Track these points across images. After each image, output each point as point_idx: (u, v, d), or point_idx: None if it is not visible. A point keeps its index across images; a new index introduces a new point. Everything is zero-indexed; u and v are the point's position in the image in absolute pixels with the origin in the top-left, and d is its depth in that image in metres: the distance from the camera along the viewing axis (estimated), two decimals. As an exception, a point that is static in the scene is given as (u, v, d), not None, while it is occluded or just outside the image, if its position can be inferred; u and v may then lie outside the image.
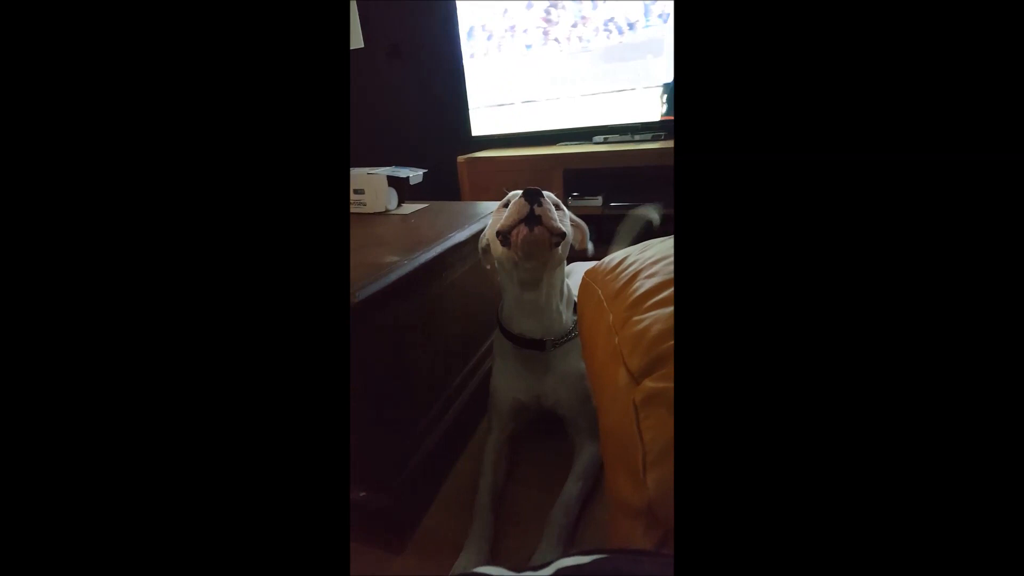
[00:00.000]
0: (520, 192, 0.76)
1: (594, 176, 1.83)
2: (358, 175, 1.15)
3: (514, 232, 0.72)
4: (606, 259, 0.73)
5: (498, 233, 0.75)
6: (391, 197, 1.18)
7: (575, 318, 0.83)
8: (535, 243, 0.72)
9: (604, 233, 1.60)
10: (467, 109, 2.14)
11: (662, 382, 0.42)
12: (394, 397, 0.75)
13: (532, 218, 0.71)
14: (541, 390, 0.83)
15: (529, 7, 1.92)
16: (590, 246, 0.91)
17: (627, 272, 0.63)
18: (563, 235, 0.75)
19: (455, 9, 2.00)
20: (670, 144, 1.69)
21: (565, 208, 0.82)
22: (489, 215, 1.07)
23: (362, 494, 0.72)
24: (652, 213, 1.35)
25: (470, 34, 2.02)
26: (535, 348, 0.82)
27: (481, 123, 2.15)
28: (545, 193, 0.77)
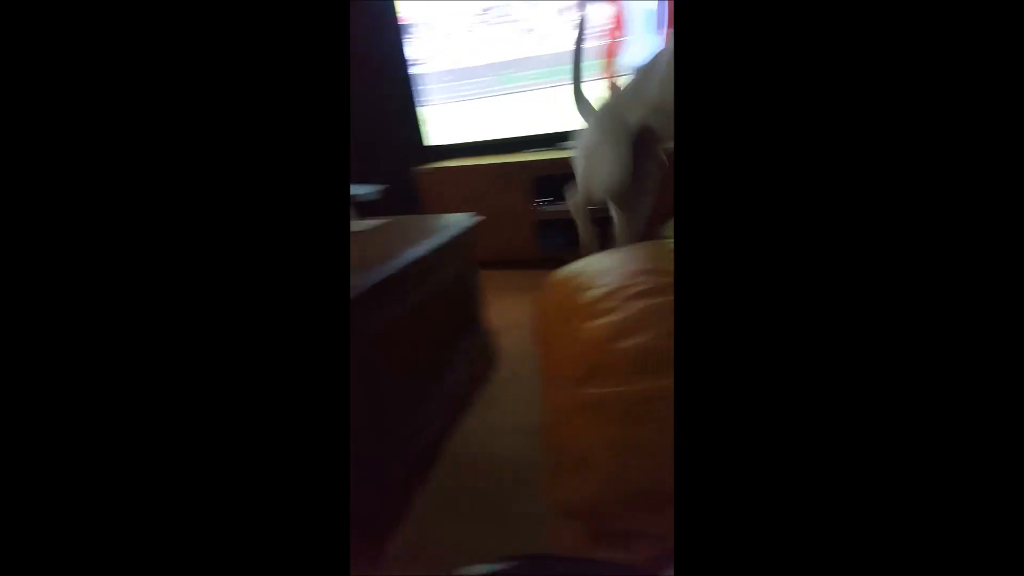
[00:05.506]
0: None
1: (565, 181, 1.84)
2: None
3: None
4: (562, 269, 0.76)
5: None
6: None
7: None
8: None
9: (575, 237, 1.62)
10: (418, 117, 1.99)
11: (599, 388, 0.45)
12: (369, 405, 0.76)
13: None
14: None
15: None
16: None
17: (578, 282, 0.66)
18: None
19: (394, 14, 1.89)
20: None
21: None
22: (453, 226, 1.05)
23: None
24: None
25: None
26: None
27: (437, 131, 1.98)
28: None
